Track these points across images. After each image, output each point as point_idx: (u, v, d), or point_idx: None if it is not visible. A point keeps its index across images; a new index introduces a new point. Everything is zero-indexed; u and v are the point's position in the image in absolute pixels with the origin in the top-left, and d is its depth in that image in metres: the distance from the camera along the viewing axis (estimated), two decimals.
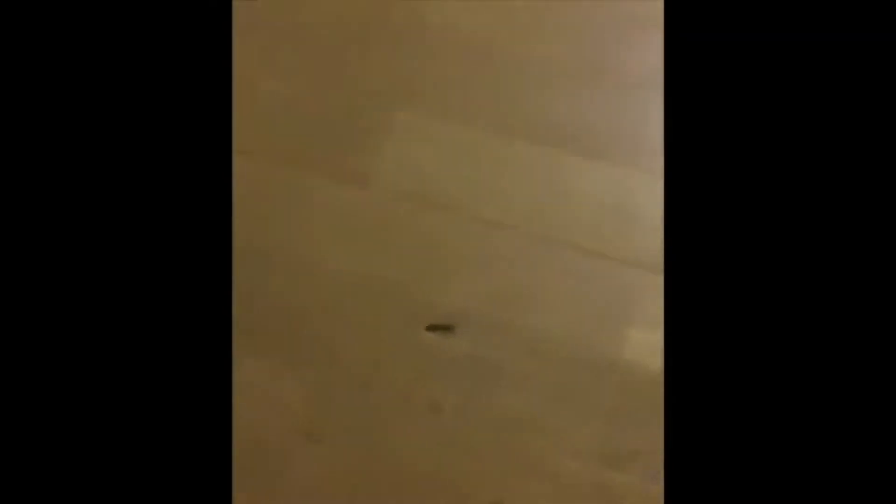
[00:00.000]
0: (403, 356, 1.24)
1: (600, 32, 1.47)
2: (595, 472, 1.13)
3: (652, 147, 1.41)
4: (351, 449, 1.18)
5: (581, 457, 1.14)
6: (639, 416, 1.16)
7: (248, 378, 1.24)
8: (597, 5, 1.45)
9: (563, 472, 1.14)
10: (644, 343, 1.22)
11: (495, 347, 1.24)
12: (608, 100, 1.44)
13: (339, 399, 1.21)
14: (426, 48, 1.50)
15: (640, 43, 1.45)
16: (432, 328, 1.27)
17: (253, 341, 1.26)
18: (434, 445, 1.16)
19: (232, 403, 1.19)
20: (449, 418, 1.18)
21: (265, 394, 1.24)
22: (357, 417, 1.20)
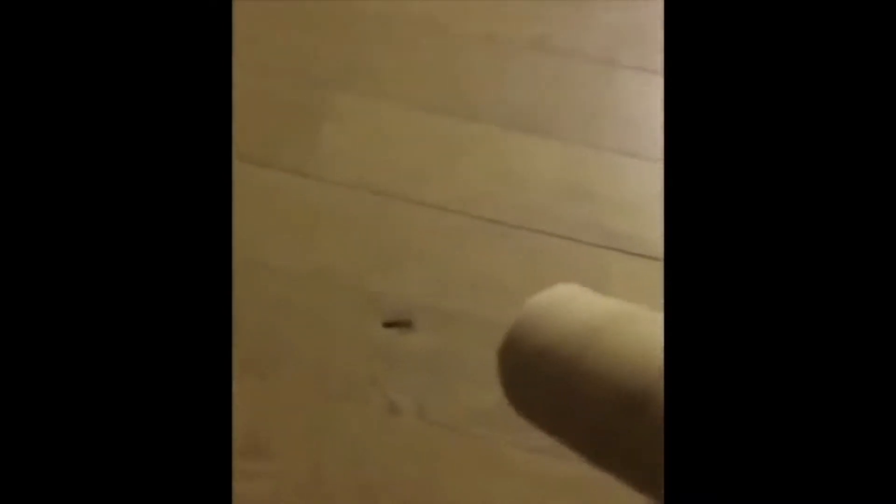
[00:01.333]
0: (358, 355, 1.13)
1: (547, 8, 1.40)
2: (572, 467, 1.04)
3: (612, 124, 1.33)
4: (301, 462, 1.06)
5: (554, 452, 1.04)
6: None
7: None
8: None
9: (536, 469, 1.04)
10: None
11: (455, 340, 1.14)
12: (559, 77, 1.37)
13: (286, 407, 1.10)
14: (364, 30, 1.40)
15: (590, 18, 1.38)
16: (389, 325, 1.16)
17: None
18: (394, 451, 1.05)
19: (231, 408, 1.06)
20: (409, 419, 1.07)
21: None
22: (308, 427, 1.08)
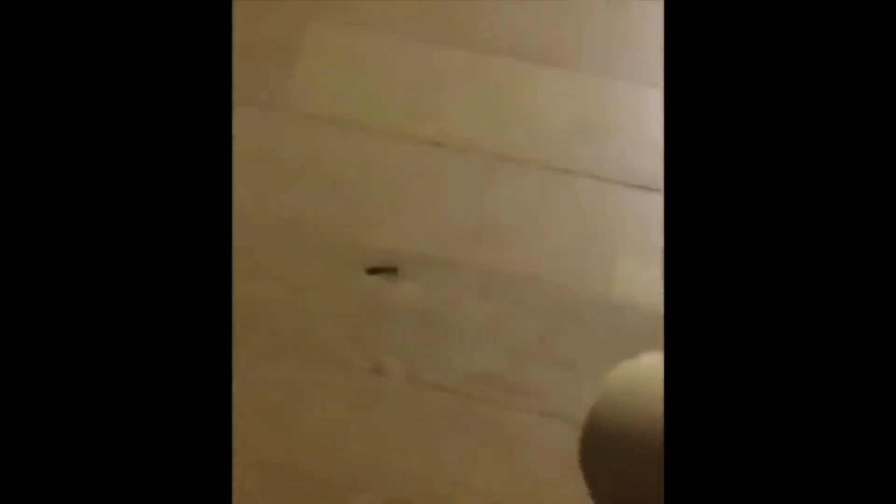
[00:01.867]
0: (340, 308, 0.97)
1: None
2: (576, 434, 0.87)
3: (628, 52, 1.16)
4: (277, 430, 0.90)
5: (557, 419, 0.87)
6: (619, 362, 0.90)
7: None
8: None
9: (542, 436, 0.88)
10: (636, 279, 0.97)
11: (448, 291, 0.98)
12: (562, 2, 1.20)
13: (255, 379, 0.93)
14: None
15: None
16: (373, 271, 1.00)
17: None
18: (379, 417, 0.89)
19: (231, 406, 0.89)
20: (396, 382, 0.91)
21: None
22: (285, 390, 0.92)
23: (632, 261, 1.00)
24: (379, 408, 0.90)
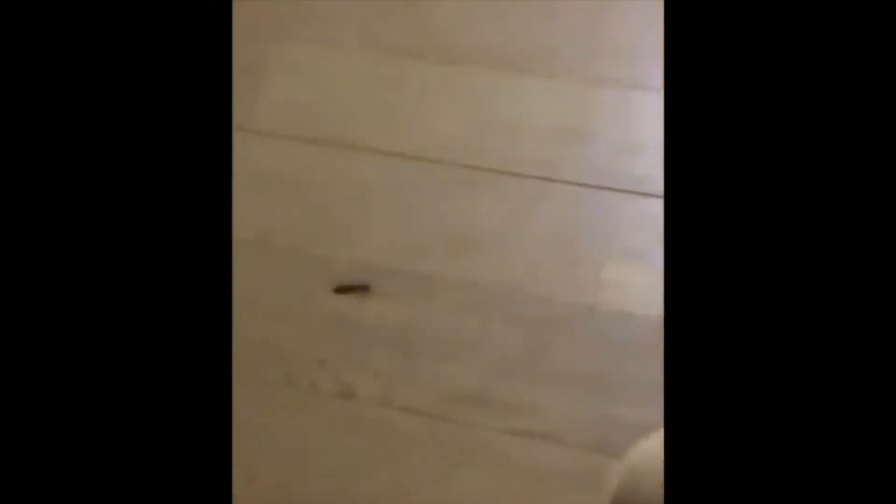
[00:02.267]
0: (306, 328, 0.89)
1: None
2: (563, 454, 0.79)
3: (609, 55, 1.10)
4: (236, 458, 0.82)
5: (542, 438, 0.79)
6: (622, 376, 0.82)
7: None
8: None
9: (522, 458, 0.79)
10: (625, 286, 0.90)
11: (423, 307, 0.90)
12: (543, 8, 1.15)
13: None
14: None
15: None
16: (343, 290, 0.92)
17: None
18: (348, 443, 0.81)
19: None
20: (367, 406, 0.83)
21: None
22: (246, 414, 0.84)
23: (620, 267, 0.92)
24: (348, 433, 0.82)
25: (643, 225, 0.95)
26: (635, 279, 0.90)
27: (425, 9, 1.20)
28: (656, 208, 0.97)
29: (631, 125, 1.06)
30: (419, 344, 0.88)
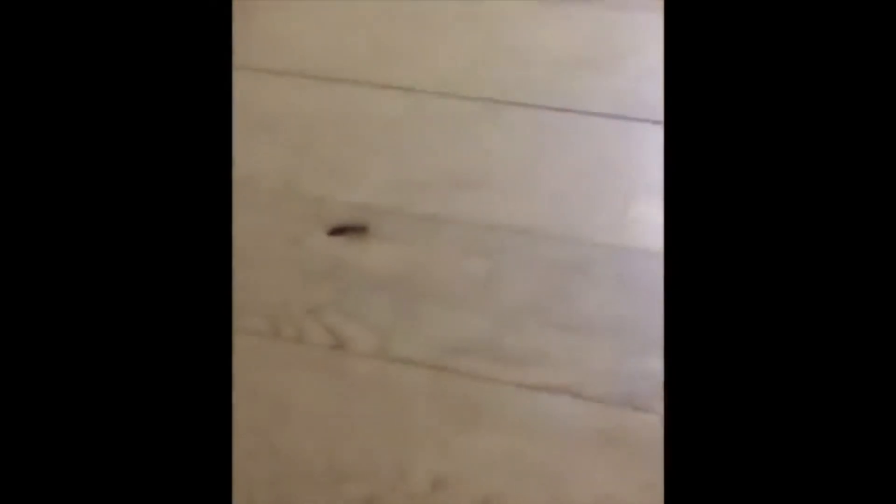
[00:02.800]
0: (294, 274, 0.79)
1: None
2: (589, 411, 0.68)
3: None
4: None
5: (560, 392, 0.69)
6: (651, 322, 0.72)
7: None
8: None
9: (539, 414, 0.69)
10: (650, 221, 0.79)
11: (426, 250, 0.80)
12: None
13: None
14: None
15: None
16: (337, 231, 0.82)
17: None
18: (344, 402, 0.70)
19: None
20: (361, 358, 0.73)
21: None
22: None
23: (648, 204, 0.81)
24: (339, 389, 0.71)
25: None
26: (661, 213, 0.79)
27: None
28: None
29: (656, 50, 0.95)
30: (421, 290, 0.77)
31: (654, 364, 0.71)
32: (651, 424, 0.67)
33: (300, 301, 0.77)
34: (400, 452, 0.68)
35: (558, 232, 0.80)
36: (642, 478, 0.65)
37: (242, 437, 0.69)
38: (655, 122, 0.88)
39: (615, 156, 0.87)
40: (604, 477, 0.65)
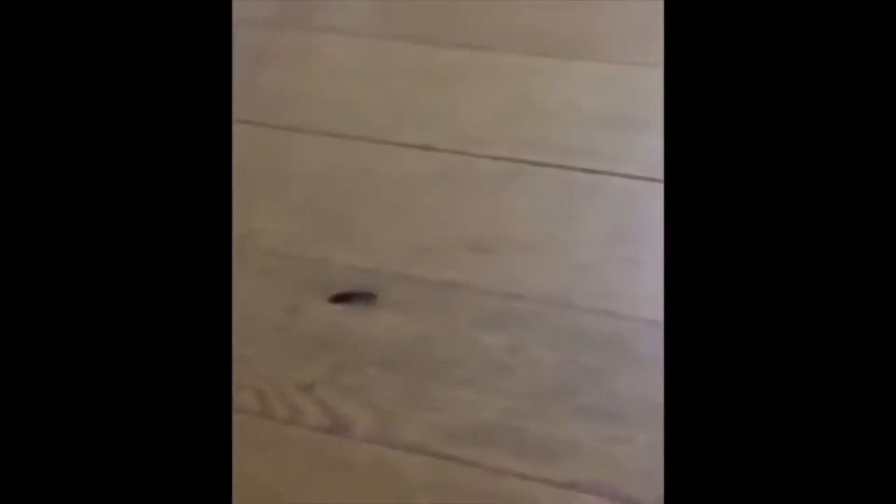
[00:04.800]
0: (290, 345, 0.69)
1: None
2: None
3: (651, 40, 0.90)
4: None
5: (586, 492, 0.57)
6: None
7: None
8: None
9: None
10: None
11: (440, 321, 0.69)
12: None
13: None
14: None
15: None
16: (340, 298, 0.72)
17: None
18: (338, 494, 0.59)
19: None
20: (361, 444, 0.61)
21: None
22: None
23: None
24: (336, 478, 0.60)
25: None
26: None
27: None
28: None
29: None
30: (432, 366, 0.66)
31: None
32: None
33: (295, 376, 0.67)
34: None
35: (588, 303, 0.70)
36: None
37: None
38: None
39: (651, 219, 0.76)
40: None
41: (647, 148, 0.84)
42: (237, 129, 0.91)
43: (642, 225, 0.76)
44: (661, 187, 0.79)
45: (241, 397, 0.65)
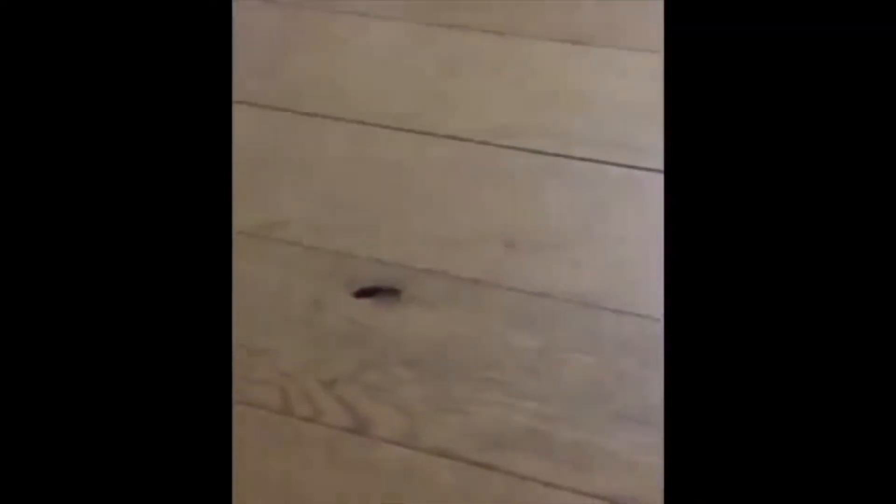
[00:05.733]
0: (312, 341, 0.66)
1: None
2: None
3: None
4: None
5: (624, 501, 0.55)
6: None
7: None
8: None
9: None
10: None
11: (470, 319, 0.67)
12: None
13: None
14: None
15: None
16: (364, 293, 0.70)
17: None
18: (361, 498, 0.57)
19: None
20: (385, 446, 0.59)
21: None
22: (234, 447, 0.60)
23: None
24: (358, 481, 0.58)
25: None
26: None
27: None
28: None
29: None
30: (460, 366, 0.64)
31: None
32: None
33: (317, 372, 0.64)
34: None
35: (624, 305, 0.67)
36: None
37: None
38: None
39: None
40: None
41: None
42: (262, 115, 0.89)
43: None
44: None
45: (261, 392, 0.63)
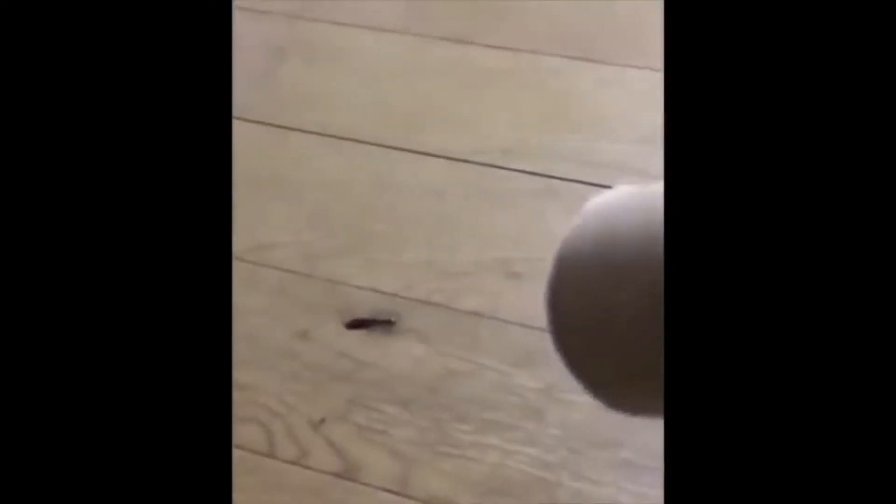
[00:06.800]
0: (300, 376, 0.63)
1: None
2: None
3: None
4: None
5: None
6: None
7: None
8: None
9: None
10: None
11: (465, 354, 0.63)
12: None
13: None
14: None
15: None
16: (356, 324, 0.66)
17: None
18: None
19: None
20: (374, 494, 0.56)
21: None
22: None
23: None
24: None
25: None
26: None
27: None
28: None
29: None
30: (456, 405, 0.60)
31: None
32: None
33: (303, 410, 0.61)
34: None
35: None
36: None
37: None
38: None
39: None
40: None
41: None
42: (252, 131, 0.85)
43: None
44: None
45: (244, 431, 0.59)
